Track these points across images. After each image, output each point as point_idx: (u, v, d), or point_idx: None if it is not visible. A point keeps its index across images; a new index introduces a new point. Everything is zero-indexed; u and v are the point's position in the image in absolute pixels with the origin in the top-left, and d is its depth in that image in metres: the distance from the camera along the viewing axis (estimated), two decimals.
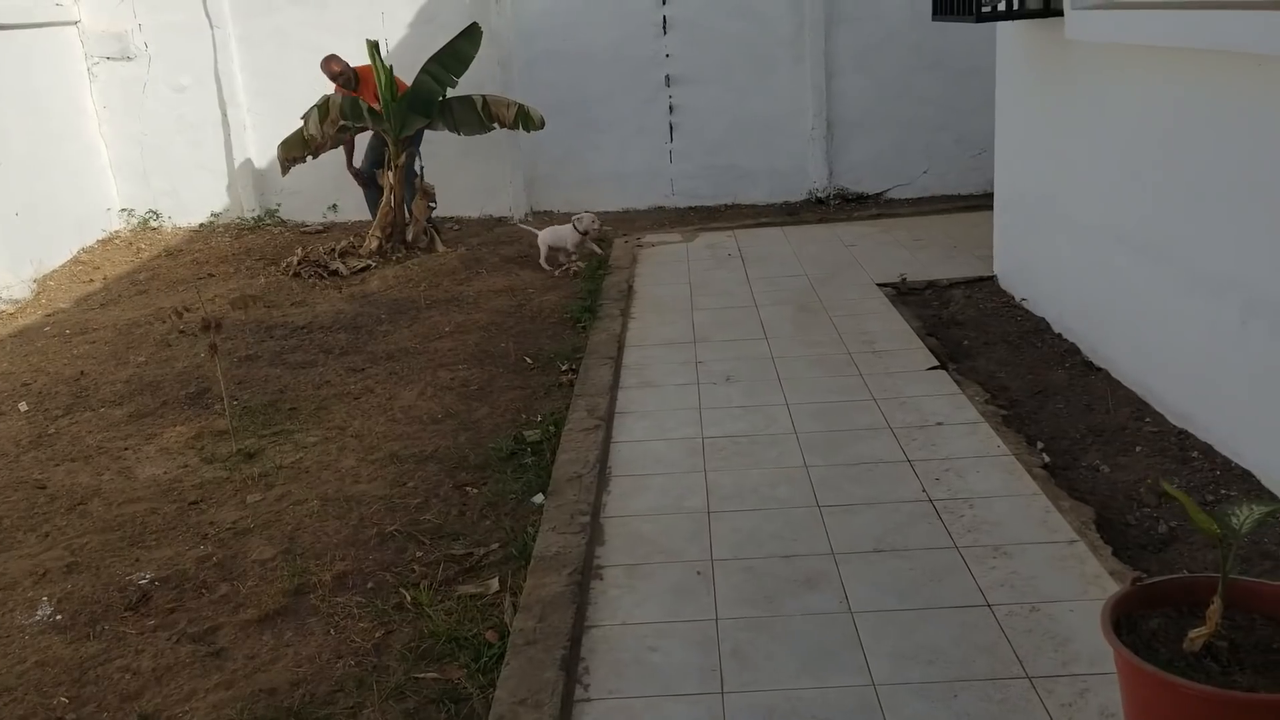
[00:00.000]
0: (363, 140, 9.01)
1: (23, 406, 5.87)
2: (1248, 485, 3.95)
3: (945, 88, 9.38)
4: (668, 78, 9.68)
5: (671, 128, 9.79)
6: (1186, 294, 4.43)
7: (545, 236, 8.07)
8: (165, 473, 4.82)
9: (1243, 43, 3.75)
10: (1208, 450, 4.23)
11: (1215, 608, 1.93)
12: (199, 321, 5.47)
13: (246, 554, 4.00)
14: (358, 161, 9.01)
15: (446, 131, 8.57)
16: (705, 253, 8.23)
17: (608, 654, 3.17)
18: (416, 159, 8.80)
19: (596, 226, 8.02)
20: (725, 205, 9.86)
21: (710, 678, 3.02)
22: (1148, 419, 4.64)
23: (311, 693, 3.14)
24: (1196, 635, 1.92)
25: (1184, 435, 4.40)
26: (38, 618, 3.68)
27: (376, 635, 3.41)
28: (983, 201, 7.59)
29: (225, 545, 4.08)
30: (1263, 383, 3.89)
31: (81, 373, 6.36)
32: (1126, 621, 2.01)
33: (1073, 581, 3.36)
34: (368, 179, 8.98)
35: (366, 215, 9.28)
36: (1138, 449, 4.34)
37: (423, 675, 3.18)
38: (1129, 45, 4.76)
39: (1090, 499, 3.97)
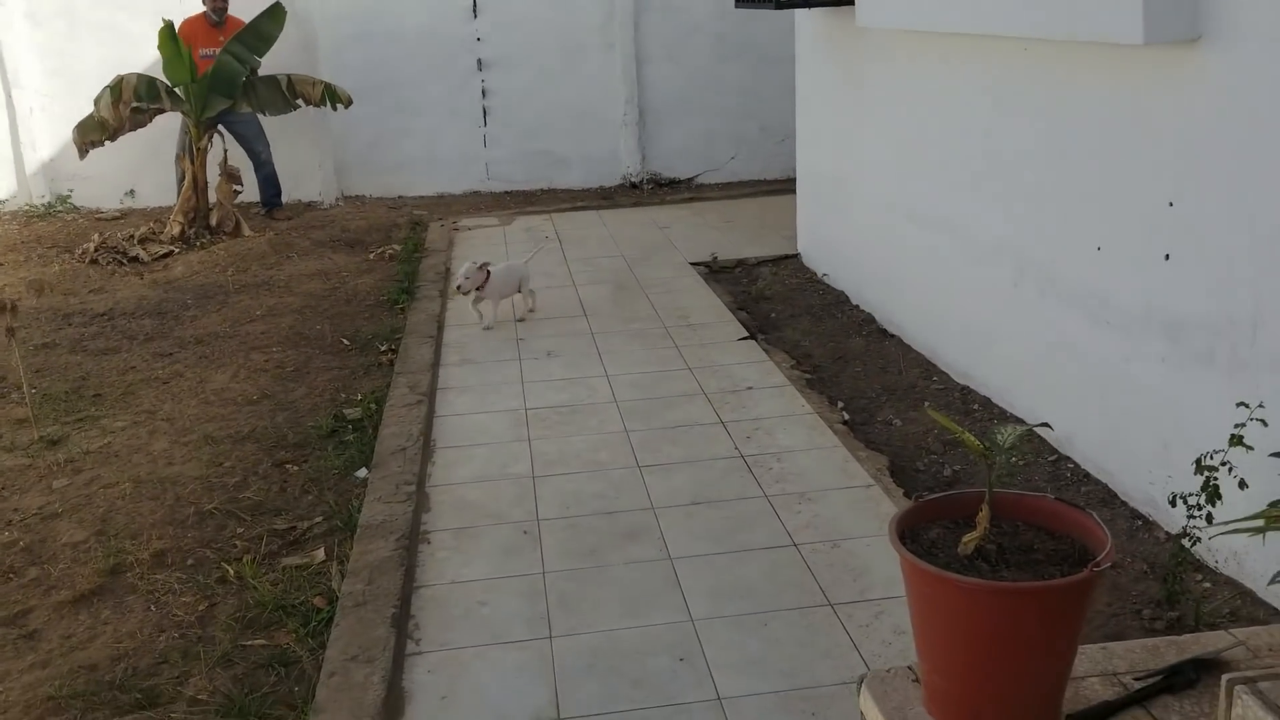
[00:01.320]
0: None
1: None
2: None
3: (751, 76, 9.78)
4: (480, 62, 9.71)
5: (485, 112, 9.83)
6: (966, 263, 4.84)
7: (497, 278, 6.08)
8: None
9: (1007, 26, 4.13)
10: (986, 402, 4.65)
11: (984, 514, 2.18)
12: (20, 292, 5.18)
13: (56, 538, 3.86)
14: (178, 148, 8.70)
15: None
16: (523, 235, 8.32)
17: (437, 611, 3.25)
18: (222, 141, 8.53)
19: (469, 281, 5.97)
20: (541, 190, 9.97)
21: (539, 625, 3.15)
22: (935, 378, 5.04)
23: (134, 665, 3.09)
24: (969, 539, 2.17)
25: (966, 390, 4.81)
26: None
27: (200, 609, 3.38)
28: (787, 186, 7.97)
29: (32, 530, 3.93)
30: (1031, 338, 4.31)
31: None
32: (910, 534, 2.24)
33: (869, 520, 3.66)
34: (252, 143, 8.94)
35: (166, 201, 8.93)
36: (926, 404, 4.72)
37: (250, 643, 3.18)
38: (911, 31, 5.14)
39: (885, 449, 4.30)
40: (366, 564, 3.46)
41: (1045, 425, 2.42)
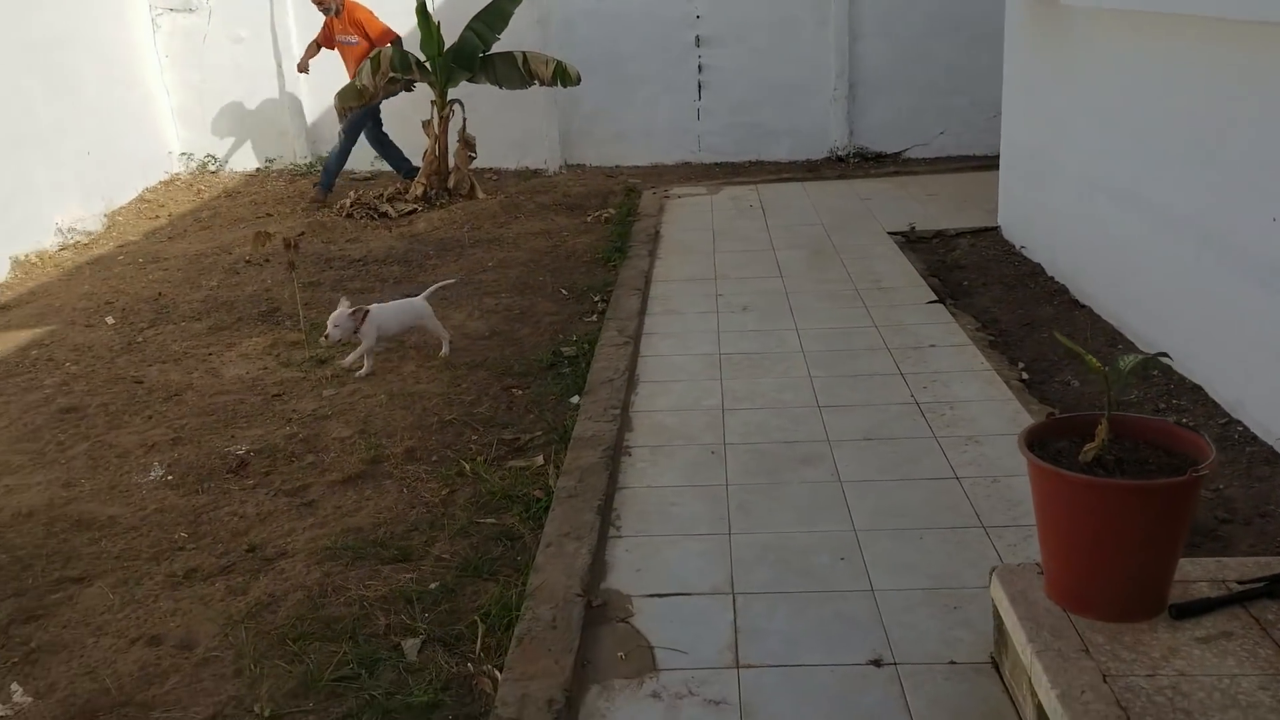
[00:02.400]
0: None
1: (110, 320, 6.54)
2: (1197, 397, 4.52)
3: (963, 52, 9.88)
4: (698, 38, 10.21)
5: (700, 86, 10.33)
6: (1154, 235, 4.98)
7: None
8: (248, 373, 5.49)
9: (1203, 7, 4.29)
10: (1166, 369, 4.81)
11: (1102, 429, 2.53)
12: (280, 244, 6.11)
13: (327, 434, 4.66)
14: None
15: (488, 85, 9.16)
16: (728, 204, 8.80)
17: (635, 506, 3.81)
18: (461, 110, 9.38)
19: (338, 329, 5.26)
20: (749, 162, 10.41)
21: (720, 524, 3.65)
22: (1120, 346, 5.21)
23: (391, 531, 3.79)
24: (1088, 449, 2.52)
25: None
26: (152, 477, 4.35)
27: (442, 494, 4.06)
28: (995, 162, 8.10)
29: (308, 427, 4.74)
30: (1208, 306, 4.46)
31: (160, 294, 7.03)
32: (1039, 444, 2.61)
33: None
34: (348, 130, 9.48)
35: (415, 163, 9.90)
36: (1106, 369, 4.91)
37: (482, 521, 3.83)
38: (1111, 10, 5.29)
39: (1058, 406, 4.56)
40: (578, 467, 4.05)
41: (1164, 355, 2.70)
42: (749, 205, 8.64)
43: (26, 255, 8.02)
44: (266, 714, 2.84)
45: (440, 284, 5.94)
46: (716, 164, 10.40)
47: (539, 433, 4.58)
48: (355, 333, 5.28)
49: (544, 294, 6.62)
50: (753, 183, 9.57)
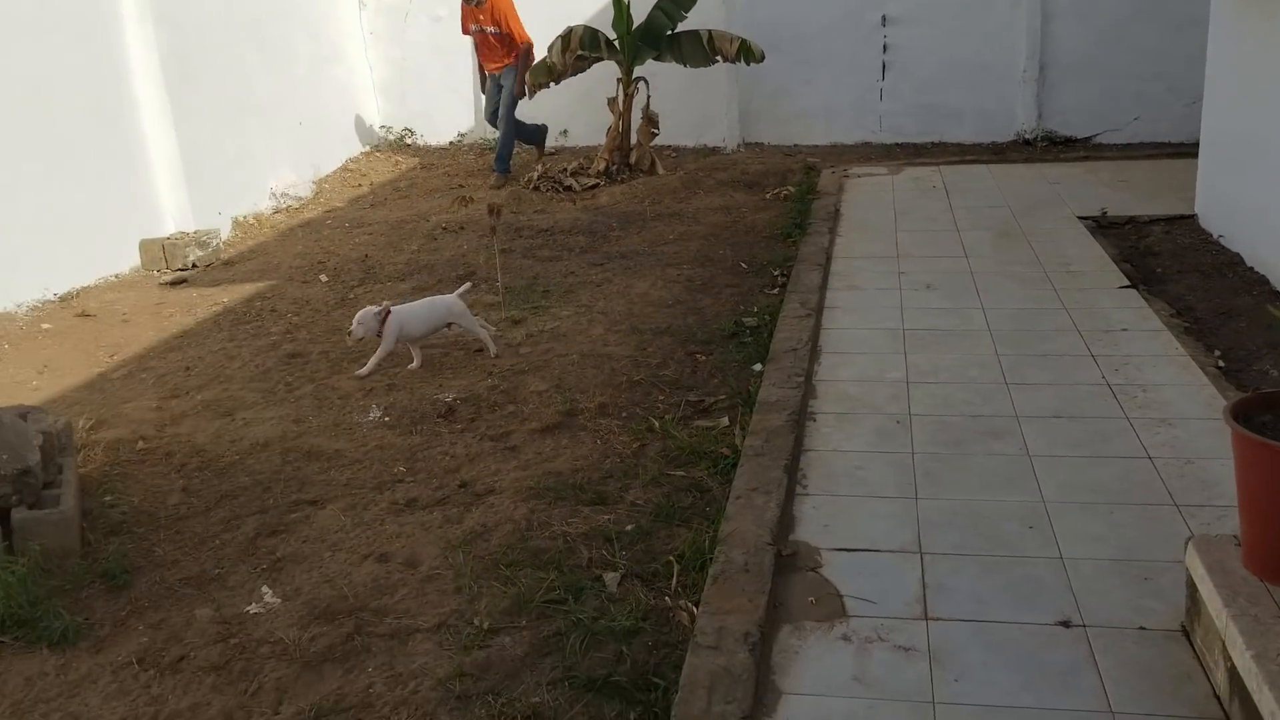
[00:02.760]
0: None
1: (323, 278, 7.06)
2: None
3: (1161, 37, 9.52)
4: (884, 18, 10.16)
5: (884, 66, 10.28)
6: None
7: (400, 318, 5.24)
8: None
9: None
10: None
11: None
12: (476, 211, 6.47)
13: (525, 387, 4.96)
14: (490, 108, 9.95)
15: (671, 64, 9.37)
16: (910, 184, 8.76)
17: (821, 468, 3.95)
18: (646, 88, 9.62)
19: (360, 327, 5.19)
20: (931, 143, 10.30)
21: (906, 488, 3.76)
22: None
23: (588, 477, 4.05)
24: None
25: None
26: (371, 418, 4.74)
27: (634, 446, 4.29)
28: (1192, 150, 7.81)
29: (507, 380, 5.06)
30: None
31: (366, 255, 7.53)
32: (1244, 418, 2.63)
33: (1229, 447, 3.91)
34: (506, 113, 9.65)
35: (594, 140, 10.20)
36: (1270, 305, 4.76)
37: (673, 473, 4.04)
38: None
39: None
40: (763, 428, 4.21)
41: None
42: (931, 186, 8.59)
43: (245, 217, 8.69)
44: (486, 626, 3.12)
45: (467, 285, 5.73)
46: (898, 144, 10.34)
47: (723, 396, 4.76)
48: (379, 333, 5.17)
49: (724, 267, 6.79)
50: (935, 164, 9.49)
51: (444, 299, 5.43)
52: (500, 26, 9.51)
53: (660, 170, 9.61)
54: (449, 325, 5.37)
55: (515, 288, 6.51)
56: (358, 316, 5.17)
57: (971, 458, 3.97)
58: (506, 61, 9.65)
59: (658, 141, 9.99)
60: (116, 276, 7.29)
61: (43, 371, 5.56)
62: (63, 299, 6.79)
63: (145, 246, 7.51)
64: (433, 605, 3.27)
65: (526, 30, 9.62)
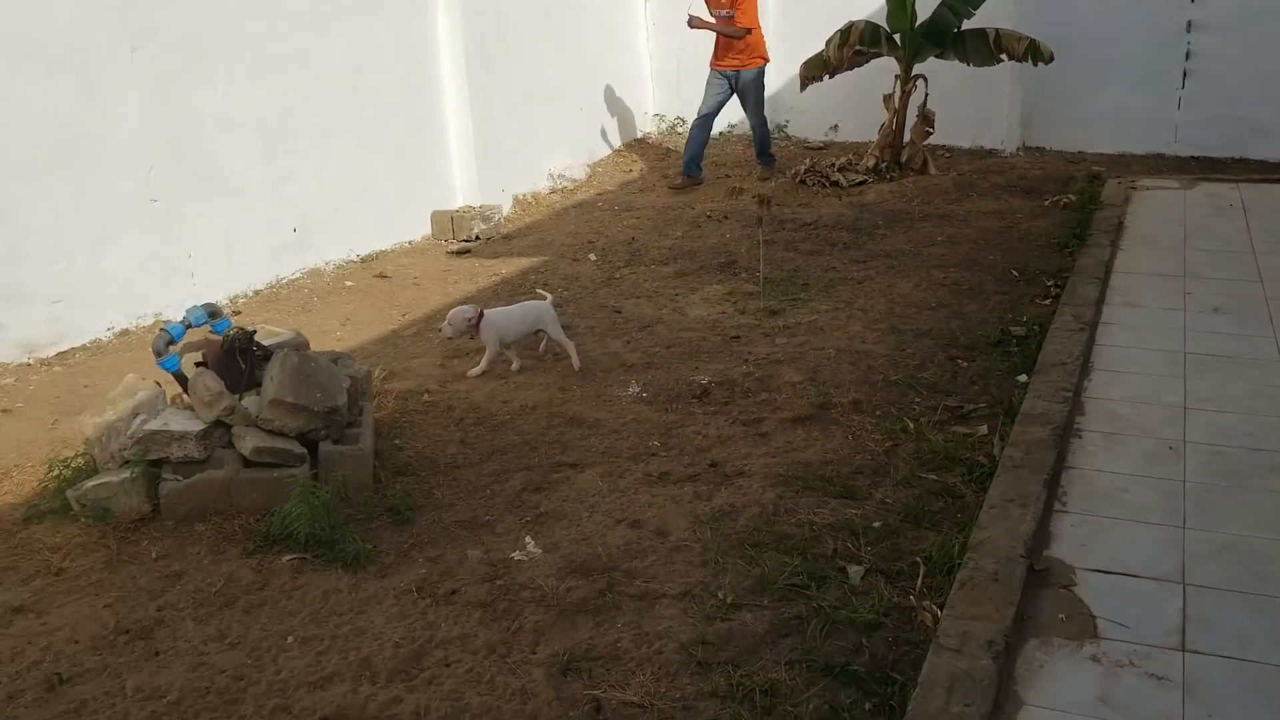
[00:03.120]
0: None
1: (592, 257, 7.41)
2: None
3: None
4: (1189, 24, 9.50)
5: (1185, 74, 9.62)
6: None
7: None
8: (708, 315, 6.03)
9: None
10: None
11: None
12: (747, 201, 6.60)
13: (779, 376, 5.05)
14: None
15: (952, 62, 9.14)
16: (1204, 200, 8.18)
17: (1083, 487, 3.82)
18: (925, 86, 9.44)
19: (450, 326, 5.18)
20: (1231, 158, 9.55)
21: (1174, 516, 3.58)
22: None
23: (837, 470, 4.09)
24: None
25: None
26: (630, 393, 4.97)
27: (886, 445, 4.30)
28: None
29: (762, 368, 5.17)
30: None
31: (633, 238, 7.83)
32: None
33: None
34: (755, 106, 9.61)
35: (863, 137, 10.11)
36: None
37: (925, 476, 4.02)
38: None
39: None
40: (1024, 440, 4.11)
41: None
42: (1228, 204, 7.99)
43: (524, 195, 9.21)
44: (729, 600, 3.25)
45: (555, 296, 5.64)
46: (1193, 158, 9.65)
47: (983, 404, 4.67)
48: (472, 337, 5.18)
49: (993, 273, 6.61)
50: (1234, 181, 8.80)
51: (536, 304, 5.35)
52: (731, 9, 9.31)
53: (932, 170, 9.42)
54: (537, 332, 5.32)
55: (775, 279, 6.60)
56: (449, 316, 5.17)
57: (1250, 492, 3.73)
58: (735, 60, 9.44)
59: (931, 141, 9.79)
60: (410, 243, 7.93)
61: (345, 324, 6.15)
62: (364, 260, 7.46)
63: (436, 218, 8.12)
64: (679, 574, 3.43)
65: (761, 27, 9.56)
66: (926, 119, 9.46)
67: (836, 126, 10.99)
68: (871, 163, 9.47)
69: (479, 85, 8.44)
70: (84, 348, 5.67)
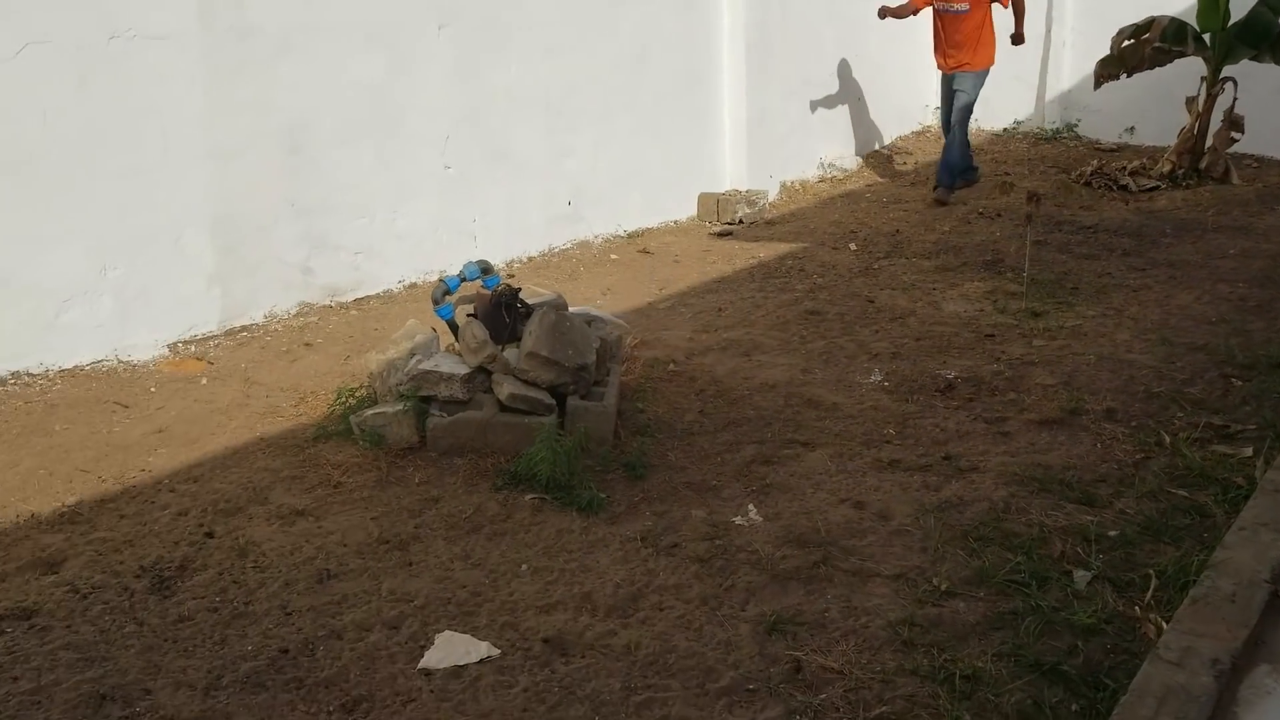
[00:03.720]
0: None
1: (852, 246, 7.40)
2: None
3: None
4: None
5: None
6: None
7: None
8: (965, 311, 5.92)
9: None
10: None
11: None
12: (1020, 199, 6.41)
13: (1030, 378, 4.91)
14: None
15: (1267, 65, 8.42)
16: None
17: None
18: (1234, 90, 8.74)
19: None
20: None
21: None
22: None
23: (1080, 475, 3.96)
24: None
25: None
26: (871, 380, 4.98)
27: (1136, 456, 4.11)
28: None
29: (1013, 368, 5.04)
30: None
31: (897, 230, 7.75)
32: None
33: None
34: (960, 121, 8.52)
35: (1161, 141, 9.49)
36: None
37: (1174, 491, 3.82)
38: None
39: None
40: None
41: None
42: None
43: (792, 182, 9.29)
44: (943, 588, 3.25)
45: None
46: None
47: (1253, 426, 4.36)
48: None
49: None
50: None
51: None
52: (972, 4, 8.30)
53: (1235, 179, 8.75)
54: None
55: (1042, 280, 6.37)
56: None
57: None
58: (955, 59, 8.46)
59: (1236, 149, 9.08)
60: (675, 223, 8.20)
61: (605, 293, 6.48)
62: (629, 236, 7.80)
63: (703, 200, 8.35)
64: (896, 557, 3.45)
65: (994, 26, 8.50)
66: (1234, 124, 8.78)
67: (1132, 129, 10.39)
68: (1167, 168, 8.90)
69: (757, 72, 8.58)
70: (377, 296, 6.28)
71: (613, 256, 7.35)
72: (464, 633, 3.06)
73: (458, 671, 2.89)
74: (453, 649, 2.98)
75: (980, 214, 8.09)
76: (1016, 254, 6.79)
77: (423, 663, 2.93)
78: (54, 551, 3.49)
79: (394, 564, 3.44)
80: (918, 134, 11.08)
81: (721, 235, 7.85)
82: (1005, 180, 6.94)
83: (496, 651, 2.97)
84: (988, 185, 8.89)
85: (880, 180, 9.55)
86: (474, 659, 2.94)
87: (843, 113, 9.96)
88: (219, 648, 2.99)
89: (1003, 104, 11.03)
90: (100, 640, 3.02)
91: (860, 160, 10.15)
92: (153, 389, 4.89)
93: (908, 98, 11.09)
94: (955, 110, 8.51)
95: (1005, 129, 11.06)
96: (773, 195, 8.90)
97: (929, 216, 8.12)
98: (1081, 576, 3.30)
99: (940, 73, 8.84)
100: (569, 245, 7.46)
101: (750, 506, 3.81)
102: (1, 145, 4.73)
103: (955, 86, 8.52)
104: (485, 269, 4.60)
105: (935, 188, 8.61)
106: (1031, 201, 6.00)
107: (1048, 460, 4.10)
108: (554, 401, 4.24)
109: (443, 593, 3.27)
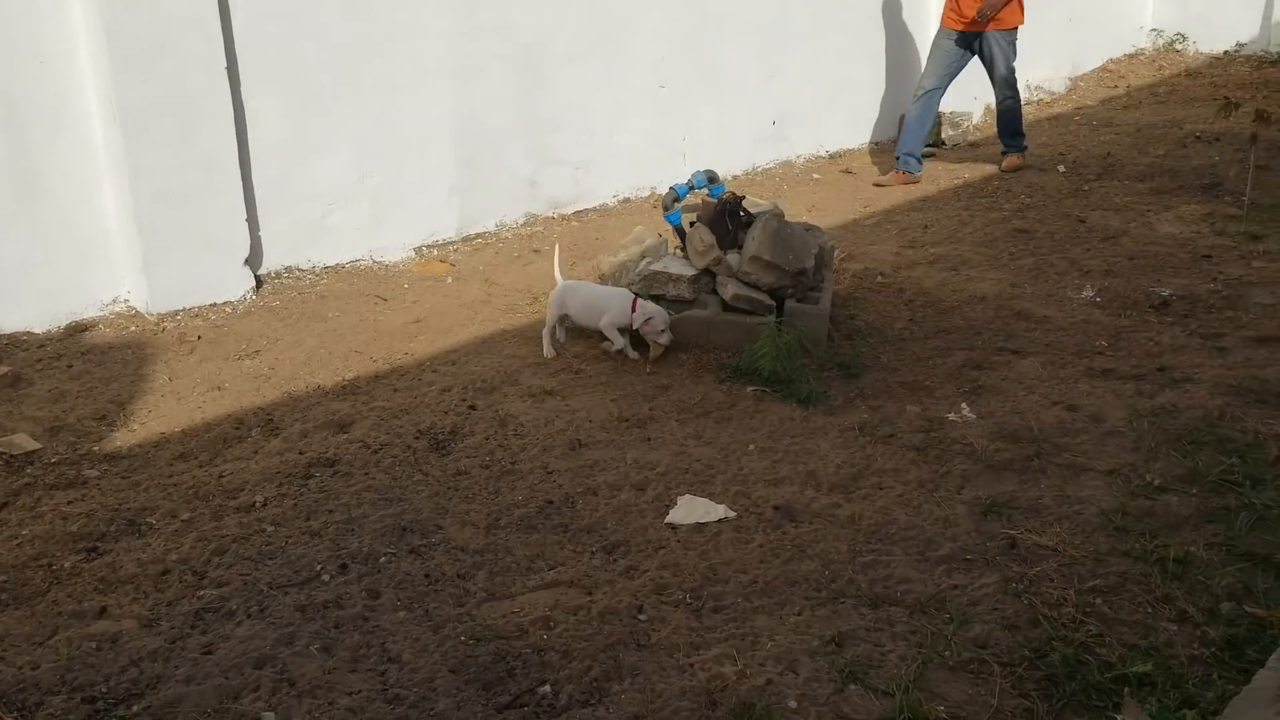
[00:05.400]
0: None
1: (1061, 169, 7.33)
2: None
3: None
4: None
5: None
6: None
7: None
8: (1180, 233, 5.85)
9: None
10: None
11: None
12: (1247, 116, 6.24)
13: (1249, 297, 4.89)
14: None
15: None
16: None
17: None
18: None
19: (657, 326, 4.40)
20: None
21: None
22: None
23: None
24: None
25: None
26: (1084, 296, 5.05)
27: None
28: None
29: (1231, 287, 5.01)
30: None
31: (1108, 154, 7.61)
32: None
33: None
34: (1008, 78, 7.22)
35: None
36: None
37: None
38: None
39: None
40: None
41: None
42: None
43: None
44: (1156, 483, 3.40)
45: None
46: None
47: None
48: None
49: None
50: None
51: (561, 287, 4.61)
52: None
53: None
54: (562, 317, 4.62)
55: (1264, 205, 6.20)
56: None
57: None
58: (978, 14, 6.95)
59: None
60: (877, 144, 8.28)
61: (810, 210, 6.68)
62: (831, 156, 7.94)
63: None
64: (1109, 455, 3.61)
65: None
66: None
67: None
68: None
69: None
70: (595, 209, 6.68)
71: (815, 176, 7.52)
72: (702, 497, 3.42)
73: (700, 528, 3.26)
74: (694, 508, 3.34)
75: (1198, 138, 7.83)
76: (1237, 178, 6.60)
77: (669, 518, 3.31)
78: (343, 415, 4.04)
79: (635, 439, 3.82)
80: (1130, 57, 10.68)
81: (925, 157, 7.87)
82: (1229, 101, 6.68)
83: (733, 513, 3.32)
84: (1209, 108, 8.54)
85: (1090, 104, 9.31)
86: (713, 518, 3.30)
87: (1052, 35, 9.66)
88: (494, 497, 3.45)
89: (1224, 25, 10.52)
90: (394, 485, 3.53)
91: (1070, 83, 9.89)
92: (406, 286, 5.44)
93: (1121, 21, 10.68)
94: (1000, 82, 7.23)
95: (1225, 51, 10.52)
96: (977, 117, 8.81)
97: (1142, 140, 7.92)
98: None
99: (940, 30, 7.31)
100: (772, 164, 7.67)
101: (963, 405, 4.02)
102: (280, 61, 5.29)
103: (983, 50, 7.18)
104: (711, 178, 4.89)
105: (1005, 154, 7.39)
106: (1259, 120, 5.84)
107: (1265, 375, 4.13)
108: (773, 303, 4.52)
109: (680, 464, 3.64)
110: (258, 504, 3.46)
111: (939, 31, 7.35)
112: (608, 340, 4.46)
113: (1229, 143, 7.60)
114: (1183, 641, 2.71)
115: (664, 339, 4.40)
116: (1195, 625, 2.76)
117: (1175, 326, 4.66)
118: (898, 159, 7.30)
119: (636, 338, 4.47)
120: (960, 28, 7.14)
